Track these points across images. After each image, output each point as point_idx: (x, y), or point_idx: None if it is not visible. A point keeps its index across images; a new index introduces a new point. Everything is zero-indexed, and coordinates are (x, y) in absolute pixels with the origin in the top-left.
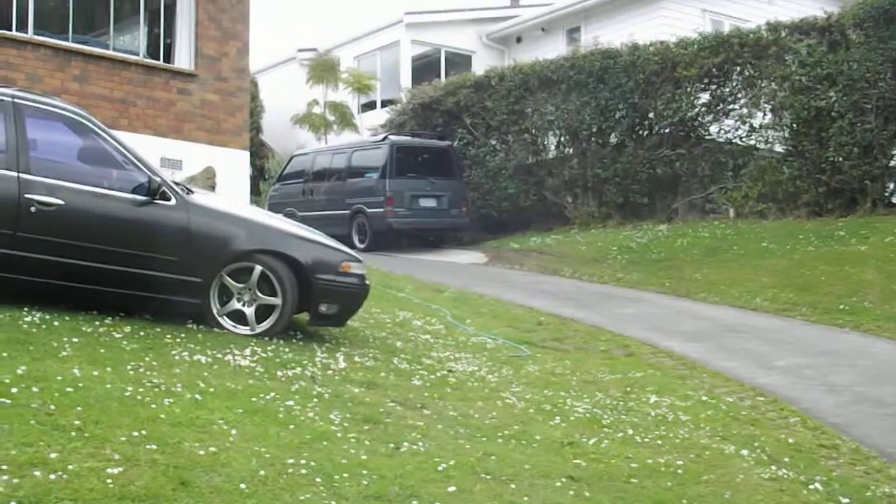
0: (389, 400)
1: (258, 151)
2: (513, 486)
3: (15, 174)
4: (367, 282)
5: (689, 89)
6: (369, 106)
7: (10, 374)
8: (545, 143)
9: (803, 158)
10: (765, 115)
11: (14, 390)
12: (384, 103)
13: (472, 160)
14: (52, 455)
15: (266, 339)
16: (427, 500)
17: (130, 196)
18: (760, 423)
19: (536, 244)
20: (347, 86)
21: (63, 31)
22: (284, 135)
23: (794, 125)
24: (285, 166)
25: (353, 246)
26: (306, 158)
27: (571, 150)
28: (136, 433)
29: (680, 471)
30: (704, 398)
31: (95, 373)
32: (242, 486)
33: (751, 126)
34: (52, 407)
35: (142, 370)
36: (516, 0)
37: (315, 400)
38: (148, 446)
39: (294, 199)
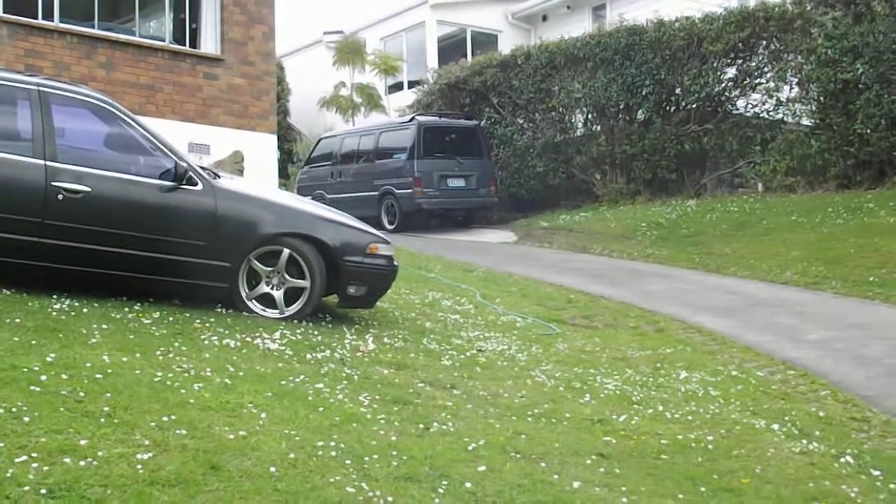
0: (419, 381)
1: (286, 135)
2: (543, 464)
3: (42, 162)
4: (396, 263)
5: (715, 64)
6: (396, 87)
7: (39, 361)
8: (572, 120)
9: (831, 131)
10: (791, 88)
11: (43, 377)
12: (411, 84)
13: (499, 139)
14: (82, 442)
15: (295, 322)
16: (457, 479)
17: (157, 182)
18: (791, 397)
19: (565, 222)
20: (374, 67)
21: (89, 18)
22: (312, 117)
23: (821, 98)
24: (313, 149)
25: (382, 227)
26: (334, 141)
27: (599, 128)
28: (165, 418)
29: (710, 446)
30: (734, 373)
31: (125, 359)
32: (272, 469)
33: (778, 100)
34: (82, 394)
35: (171, 355)
36: None
37: (344, 382)
38: (177, 431)
39: (322, 181)
